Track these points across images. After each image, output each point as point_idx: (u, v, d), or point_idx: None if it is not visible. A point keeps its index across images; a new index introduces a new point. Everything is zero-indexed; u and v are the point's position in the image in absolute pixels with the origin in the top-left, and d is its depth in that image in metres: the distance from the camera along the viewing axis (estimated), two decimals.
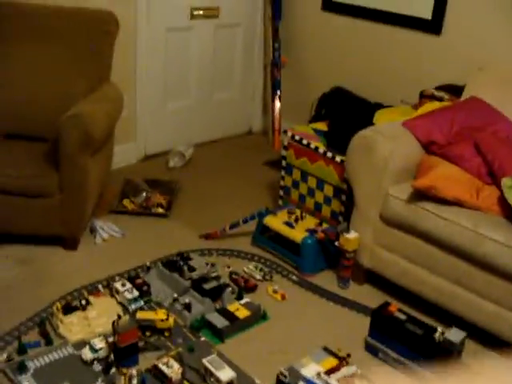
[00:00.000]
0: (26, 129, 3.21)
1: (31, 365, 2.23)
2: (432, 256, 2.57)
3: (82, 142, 2.77)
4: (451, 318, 2.53)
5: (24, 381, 2.15)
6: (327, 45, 4.24)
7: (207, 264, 2.80)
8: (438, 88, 3.36)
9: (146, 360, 2.31)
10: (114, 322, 2.23)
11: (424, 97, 3.33)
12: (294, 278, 2.94)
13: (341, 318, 2.67)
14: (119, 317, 2.25)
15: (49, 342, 2.37)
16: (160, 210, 3.46)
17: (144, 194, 3.52)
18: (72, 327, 2.44)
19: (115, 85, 3.38)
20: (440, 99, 3.23)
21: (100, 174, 3.20)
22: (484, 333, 2.47)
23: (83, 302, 2.53)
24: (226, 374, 2.16)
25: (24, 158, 2.99)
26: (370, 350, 2.44)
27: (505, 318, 2.39)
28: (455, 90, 3.22)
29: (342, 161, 2.99)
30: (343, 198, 3.09)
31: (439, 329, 2.27)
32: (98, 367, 2.25)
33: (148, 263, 2.88)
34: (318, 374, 2.16)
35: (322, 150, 3.16)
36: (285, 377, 2.14)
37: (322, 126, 3.45)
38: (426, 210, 2.53)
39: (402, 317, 2.36)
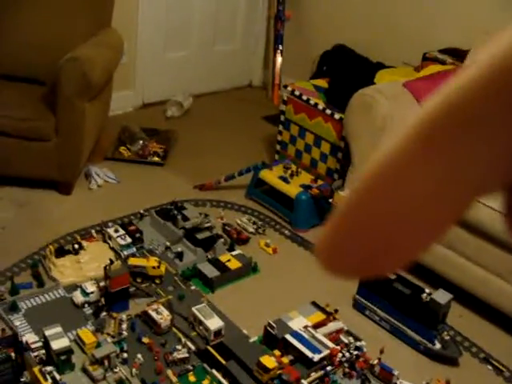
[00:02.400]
0: (24, 70, 3.17)
1: (23, 305, 2.26)
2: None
3: (80, 86, 2.75)
4: (439, 281, 2.56)
5: (15, 320, 2.18)
6: (332, 1, 4.17)
7: (201, 214, 2.81)
8: (442, 51, 3.32)
9: (136, 306, 2.34)
10: (105, 267, 2.25)
11: (427, 59, 3.30)
12: (287, 232, 2.96)
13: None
14: (111, 262, 2.27)
15: (41, 284, 2.40)
16: (156, 159, 3.46)
17: (141, 142, 3.51)
18: (64, 270, 2.46)
19: (116, 31, 3.34)
20: (443, 62, 3.21)
21: (97, 120, 3.19)
22: (471, 297, 2.50)
23: (76, 246, 2.55)
24: (214, 323, 2.20)
25: (21, 100, 2.97)
26: (358, 307, 2.47)
27: (492, 284, 2.42)
28: (459, 55, 3.19)
29: (340, 118, 2.98)
30: (340, 155, 3.09)
31: (427, 290, 2.30)
32: (88, 310, 2.28)
33: (142, 211, 2.89)
34: (305, 328, 2.19)
35: (321, 106, 3.14)
36: (272, 328, 2.18)
37: (322, 82, 3.42)
38: None
39: (392, 276, 2.39)
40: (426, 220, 0.20)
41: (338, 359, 2.10)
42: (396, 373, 2.07)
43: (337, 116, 3.04)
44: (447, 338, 2.29)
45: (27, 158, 2.89)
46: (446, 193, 0.20)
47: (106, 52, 3.07)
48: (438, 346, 2.26)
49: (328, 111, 3.10)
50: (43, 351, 2.00)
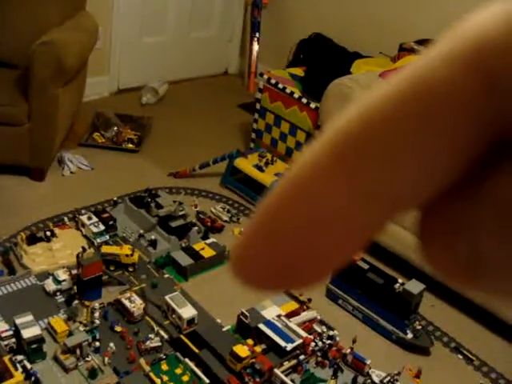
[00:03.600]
0: None
1: None
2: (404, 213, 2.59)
3: (53, 70, 2.70)
4: (412, 271, 2.57)
5: None
6: None
7: (174, 202, 2.79)
8: (419, 42, 3.33)
9: (109, 294, 2.32)
10: (78, 255, 2.23)
11: (403, 50, 3.31)
12: None
13: None
14: (84, 249, 2.25)
15: (12, 272, 2.37)
16: (130, 146, 3.43)
17: (115, 129, 3.47)
18: (36, 258, 2.43)
19: (90, 14, 3.29)
20: (419, 53, 3.21)
21: (71, 106, 3.14)
22: (443, 287, 2.52)
23: (48, 233, 2.51)
24: (187, 311, 2.19)
25: None
26: (331, 296, 2.48)
27: None
28: None
29: (316, 107, 2.98)
30: None
31: (400, 280, 2.32)
32: (60, 299, 2.25)
33: (115, 198, 2.86)
34: (279, 316, 2.20)
35: (297, 95, 3.13)
36: (245, 317, 2.18)
37: (299, 71, 3.41)
38: None
39: (365, 266, 2.40)
40: (340, 232, 0.20)
41: (310, 348, 2.11)
42: (368, 362, 2.08)
43: (312, 105, 3.04)
44: (419, 327, 2.31)
45: None
46: (358, 208, 0.19)
47: (81, 36, 3.03)
48: (410, 335, 2.28)
49: (304, 100, 3.09)
50: (14, 340, 1.98)
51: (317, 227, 0.20)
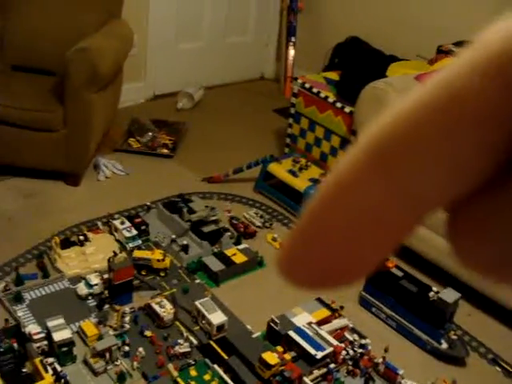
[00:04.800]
0: (34, 61, 3.18)
1: (27, 296, 2.26)
2: (435, 214, 2.53)
3: (88, 77, 2.73)
4: (448, 279, 2.51)
5: (19, 311, 2.17)
6: None
7: (207, 207, 2.79)
8: (457, 44, 3.27)
9: (140, 298, 2.32)
10: (109, 259, 2.24)
11: (441, 52, 3.25)
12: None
13: None
14: (115, 254, 2.25)
15: (46, 275, 2.39)
16: (165, 151, 3.44)
17: (150, 134, 3.49)
18: (69, 262, 2.45)
19: (126, 22, 3.32)
20: None
21: (106, 111, 3.17)
22: (480, 296, 2.46)
23: (81, 237, 2.53)
24: (217, 317, 2.17)
25: (31, 90, 2.96)
26: (364, 304, 2.44)
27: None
28: None
29: (351, 112, 2.94)
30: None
31: (434, 288, 2.27)
32: (92, 302, 2.26)
33: (148, 203, 2.87)
34: (309, 324, 2.17)
35: (331, 99, 3.10)
36: (275, 324, 2.15)
37: (334, 75, 3.38)
38: None
39: (399, 273, 2.35)
40: (378, 232, 0.21)
41: (341, 357, 2.07)
42: (401, 372, 2.04)
43: (347, 109, 3.00)
44: (454, 337, 2.25)
45: (35, 148, 2.88)
46: (394, 208, 0.21)
47: (115, 43, 3.05)
48: (444, 345, 2.23)
49: (338, 104, 3.06)
50: (45, 342, 1.99)
51: (357, 227, 0.21)
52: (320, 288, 0.24)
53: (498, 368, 2.25)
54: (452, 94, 0.19)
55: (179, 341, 2.10)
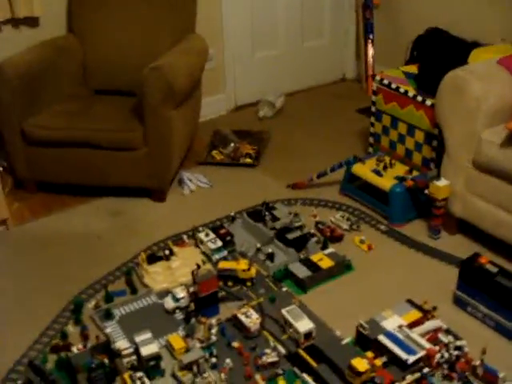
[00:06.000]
0: (115, 84, 3.29)
1: (117, 312, 2.30)
2: None
3: (164, 94, 2.77)
4: None
5: (109, 327, 2.22)
6: None
7: (290, 214, 2.75)
8: None
9: (227, 309, 2.31)
10: (193, 272, 2.24)
11: None
12: (383, 227, 2.84)
13: (429, 269, 2.55)
14: (198, 266, 2.26)
15: (134, 291, 2.43)
16: (248, 161, 3.43)
17: (232, 145, 3.50)
18: (156, 277, 2.48)
19: (199, 36, 3.36)
20: None
21: (186, 126, 3.21)
22: None
23: (167, 252, 2.56)
24: (304, 324, 2.13)
25: (112, 112, 3.05)
26: (459, 303, 2.32)
27: None
28: None
29: (432, 104, 2.82)
30: (434, 143, 2.93)
31: None
32: (179, 316, 2.28)
33: (233, 213, 2.87)
34: (400, 327, 2.08)
35: (411, 93, 2.99)
36: (364, 329, 2.08)
37: (413, 68, 3.27)
38: None
39: (494, 269, 2.22)
40: None
41: (436, 360, 1.97)
42: (501, 375, 1.91)
43: (428, 102, 2.89)
44: None
45: (119, 167, 2.96)
46: None
47: (189, 58, 3.09)
48: None
49: (419, 98, 2.95)
50: (134, 357, 2.01)
51: None
52: None
53: None
54: None
55: (266, 350, 2.06)
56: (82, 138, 2.90)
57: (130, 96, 3.18)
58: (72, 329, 2.25)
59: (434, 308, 2.22)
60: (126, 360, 2.00)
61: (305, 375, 1.99)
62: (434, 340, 2.07)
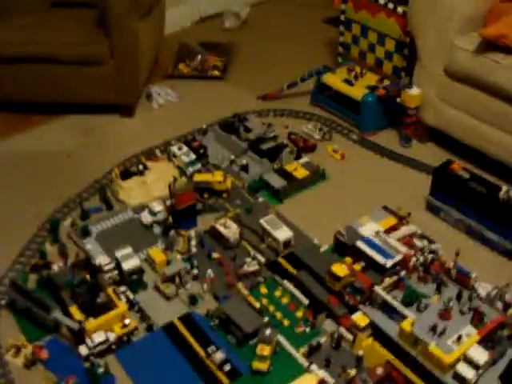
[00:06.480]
0: None
1: (94, 229, 2.29)
2: (501, 112, 2.41)
3: (128, 2, 2.66)
4: None
5: (88, 244, 2.21)
6: None
7: (263, 124, 2.74)
8: None
9: (204, 222, 2.32)
10: (170, 185, 2.24)
11: None
12: (354, 137, 2.86)
13: (402, 177, 2.60)
14: (175, 179, 2.25)
15: (109, 207, 2.42)
16: (216, 73, 3.37)
17: (199, 57, 3.42)
18: (131, 192, 2.46)
19: None
20: None
21: (152, 39, 3.12)
22: None
23: (140, 167, 2.54)
24: (283, 233, 2.16)
25: (72, 25, 2.93)
26: (432, 209, 2.38)
27: None
28: None
29: (404, 12, 2.79)
30: (406, 52, 2.91)
31: (504, 187, 2.17)
32: (157, 230, 2.28)
33: (204, 126, 2.84)
34: (377, 233, 2.12)
35: (382, 0, 2.94)
36: (342, 236, 2.12)
37: None
38: (495, 62, 2.35)
39: (466, 175, 2.26)
40: None
41: (411, 264, 2.03)
42: (473, 275, 1.98)
43: (400, 10, 2.84)
44: None
45: (85, 83, 2.87)
46: None
47: None
48: None
49: (390, 5, 2.90)
50: (116, 272, 2.02)
51: None
52: None
53: None
54: None
55: (247, 260, 2.09)
56: (45, 52, 2.79)
57: (89, 8, 3.04)
58: (50, 247, 2.23)
59: (409, 214, 2.27)
60: (107, 275, 2.01)
61: (286, 282, 2.04)
62: (409, 244, 2.13)
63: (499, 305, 1.89)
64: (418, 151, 2.74)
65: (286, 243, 2.16)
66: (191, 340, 1.87)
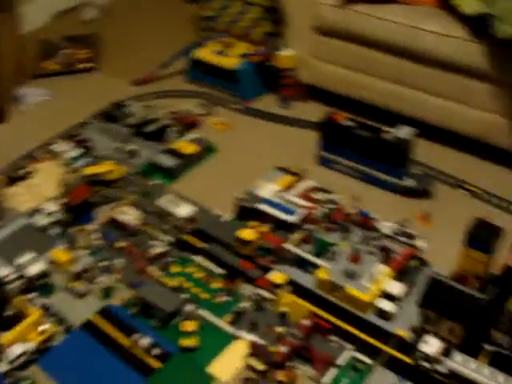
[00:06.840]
0: None
1: None
2: (372, 60, 2.50)
3: None
4: (402, 122, 2.50)
5: None
6: None
7: (144, 108, 2.70)
8: None
9: (103, 213, 2.26)
10: (60, 183, 2.16)
11: None
12: (237, 106, 2.87)
13: (289, 137, 2.64)
14: (64, 176, 2.17)
15: (0, 218, 2.30)
16: (86, 65, 3.28)
17: (64, 52, 3.31)
18: (19, 197, 2.35)
19: None
20: None
21: (10, 39, 2.97)
22: (438, 130, 2.48)
23: (24, 171, 2.43)
24: (184, 210, 2.14)
25: None
26: (324, 162, 2.44)
27: (453, 111, 2.39)
28: None
29: None
30: (273, 17, 2.95)
31: (383, 128, 2.26)
32: (55, 230, 2.19)
33: (84, 120, 2.76)
34: (276, 193, 2.15)
35: None
36: (242, 201, 2.13)
37: None
38: (359, 13, 2.43)
39: (349, 123, 2.33)
40: None
41: (315, 217, 2.08)
42: (375, 216, 2.06)
43: None
44: (419, 172, 2.29)
45: None
46: None
47: None
48: (410, 181, 2.25)
49: None
50: (22, 281, 1.93)
51: None
52: None
53: (464, 191, 2.30)
54: None
55: (153, 242, 2.07)
56: None
57: None
58: None
59: (305, 170, 2.32)
60: (11, 286, 1.92)
61: (196, 257, 2.03)
62: (309, 199, 2.17)
63: (403, 239, 1.97)
64: (302, 111, 2.80)
65: (190, 219, 2.14)
66: (114, 332, 1.82)
